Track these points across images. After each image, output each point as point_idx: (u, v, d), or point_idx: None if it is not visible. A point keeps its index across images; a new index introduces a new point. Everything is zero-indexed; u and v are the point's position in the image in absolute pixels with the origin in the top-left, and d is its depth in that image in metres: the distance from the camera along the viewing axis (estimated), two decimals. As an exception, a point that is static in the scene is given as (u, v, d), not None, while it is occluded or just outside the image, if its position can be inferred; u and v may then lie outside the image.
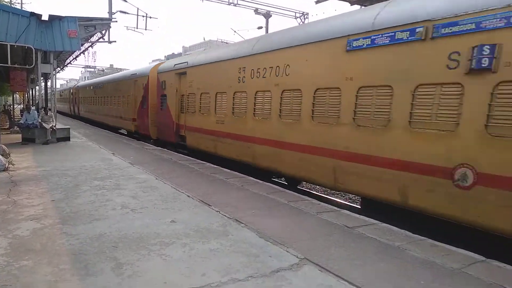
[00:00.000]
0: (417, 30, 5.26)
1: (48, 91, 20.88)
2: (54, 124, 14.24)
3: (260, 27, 26.96)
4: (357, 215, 5.57)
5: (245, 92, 9.34)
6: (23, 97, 31.57)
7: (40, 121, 13.87)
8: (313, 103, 7.19)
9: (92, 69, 61.29)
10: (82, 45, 16.19)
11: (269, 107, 8.49)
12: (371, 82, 6.04)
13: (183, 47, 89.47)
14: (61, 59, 22.15)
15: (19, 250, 3.87)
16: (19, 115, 24.47)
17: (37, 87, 25.21)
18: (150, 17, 25.57)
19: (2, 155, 8.89)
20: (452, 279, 3.48)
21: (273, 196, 6.54)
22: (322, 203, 6.23)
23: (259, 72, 8.84)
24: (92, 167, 8.92)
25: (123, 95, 20.14)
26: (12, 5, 18.54)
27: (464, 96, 4.80)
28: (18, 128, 15.64)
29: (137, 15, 22.56)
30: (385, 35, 5.76)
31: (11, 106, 31.53)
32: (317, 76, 7.13)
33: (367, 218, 5.41)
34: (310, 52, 7.35)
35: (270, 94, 8.45)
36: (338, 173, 6.69)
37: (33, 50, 12.83)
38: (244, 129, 9.36)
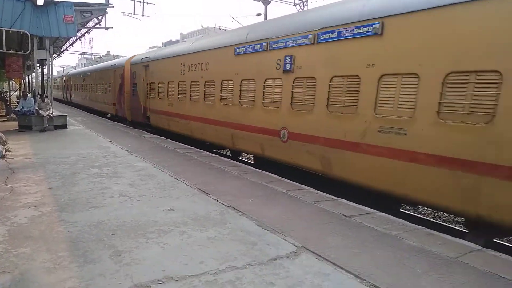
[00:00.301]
0: (263, 44, 8.59)
1: (44, 78, 20.70)
2: (51, 112, 14.14)
3: (259, 14, 26.73)
4: (355, 205, 5.60)
5: (185, 81, 12.44)
6: (20, 84, 31.31)
7: (37, 108, 13.78)
8: (220, 91, 10.35)
9: (89, 56, 60.67)
10: (78, 31, 15.95)
11: (198, 93, 11.61)
12: (247, 76, 9.22)
13: (181, 34, 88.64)
14: (58, 46, 21.89)
15: (18, 237, 3.88)
16: (16, 102, 24.29)
17: (33, 74, 24.96)
18: (147, 3, 25.26)
19: (-2, 142, 8.84)
20: (448, 268, 3.51)
21: (271, 185, 6.55)
22: (320, 192, 6.25)
23: (193, 66, 11.94)
24: (90, 154, 8.90)
25: (105, 83, 22.65)
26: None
27: (282, 85, 8.02)
28: (14, 116, 15.52)
29: (134, 0, 22.24)
30: (251, 46, 9.03)
31: (7, 93, 31.24)
32: (221, 71, 10.35)
33: (364, 207, 5.44)
34: (218, 54, 10.55)
35: (198, 83, 11.54)
36: (234, 138, 9.85)
37: (29, 35, 12.66)
38: (185, 109, 12.51)
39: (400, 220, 4.91)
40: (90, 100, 27.79)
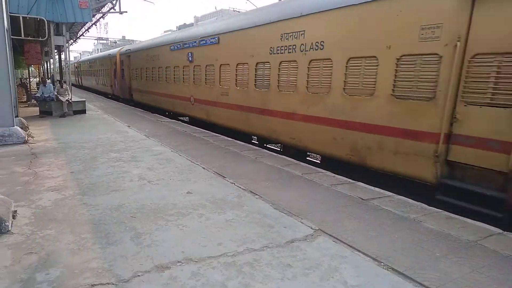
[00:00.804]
0: (180, 44, 13.34)
1: (62, 64, 20.99)
2: (70, 97, 14.38)
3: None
4: (372, 188, 5.56)
5: (149, 68, 17.49)
6: (39, 70, 31.85)
7: (56, 94, 14.03)
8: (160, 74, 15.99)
9: (105, 41, 60.93)
10: (93, 16, 16.02)
11: (160, 75, 16.14)
12: (176, 64, 14.11)
13: (195, 17, 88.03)
14: (74, 31, 22.07)
15: (43, 219, 4.02)
16: (36, 88, 24.77)
17: (51, 60, 25.33)
18: (161, -14, 24.99)
19: (21, 128, 9.08)
20: (468, 251, 3.48)
21: (287, 169, 6.56)
22: (337, 175, 6.23)
23: (153, 57, 16.60)
24: (109, 139, 9.06)
25: (105, 69, 27.76)
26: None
27: (189, 70, 13.10)
28: (35, 101, 15.86)
29: (148, -16, 22.08)
30: (177, 45, 13.99)
31: (27, 79, 31.86)
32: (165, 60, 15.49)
33: (382, 191, 5.40)
34: (162, 50, 15.63)
35: (155, 70, 16.62)
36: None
37: (45, 21, 12.78)
38: (153, 87, 17.12)
39: (418, 203, 4.86)
40: (95, 83, 32.86)
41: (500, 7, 4.50)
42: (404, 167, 5.76)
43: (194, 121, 13.50)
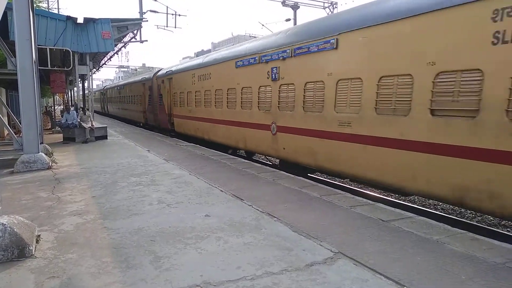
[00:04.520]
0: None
1: (85, 92, 21.79)
2: (92, 124, 14.85)
3: (288, 19, 26.69)
4: (393, 209, 5.45)
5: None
6: (63, 98, 33.09)
7: (79, 120, 14.51)
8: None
9: (126, 69, 63.07)
10: (115, 45, 16.70)
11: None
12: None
13: (212, 43, 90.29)
14: (96, 60, 22.98)
15: (65, 243, 4.10)
16: (60, 115, 25.68)
17: (75, 88, 26.33)
18: (179, 15, 26.03)
19: (45, 154, 9.38)
20: (495, 274, 3.34)
21: (305, 190, 6.51)
22: (356, 196, 6.14)
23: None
24: (129, 164, 9.24)
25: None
26: (49, 10, 19.39)
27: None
28: (59, 128, 16.42)
29: (167, 13, 23.04)
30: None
31: (52, 107, 33.09)
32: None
33: (403, 212, 5.28)
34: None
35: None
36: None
37: (71, 52, 13.41)
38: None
39: (442, 224, 4.73)
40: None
41: None
42: None
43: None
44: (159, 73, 19.88)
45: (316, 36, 7.81)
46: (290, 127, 8.78)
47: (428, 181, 5.67)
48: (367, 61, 6.63)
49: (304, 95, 8.21)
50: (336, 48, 7.25)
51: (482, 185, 4.97)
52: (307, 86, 8.12)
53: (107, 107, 40.43)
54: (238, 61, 10.96)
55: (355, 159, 6.94)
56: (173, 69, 17.58)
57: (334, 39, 7.28)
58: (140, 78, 24.98)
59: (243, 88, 10.81)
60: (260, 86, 9.92)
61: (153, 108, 20.67)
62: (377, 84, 6.37)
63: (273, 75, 9.28)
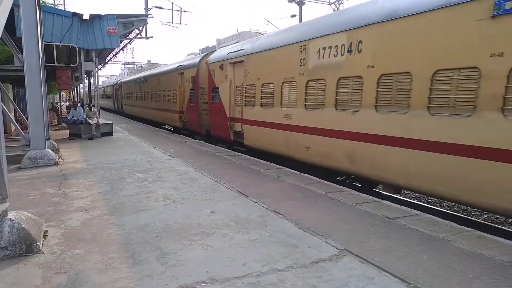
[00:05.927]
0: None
1: (91, 88, 21.90)
2: (98, 120, 14.93)
3: (293, 15, 26.60)
4: (398, 206, 5.43)
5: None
6: (69, 94, 33.26)
7: (85, 117, 14.60)
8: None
9: (131, 65, 63.36)
10: (121, 42, 16.75)
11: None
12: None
13: (217, 39, 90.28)
14: (102, 57, 23.09)
15: (72, 239, 4.13)
16: (66, 112, 25.84)
17: (81, 85, 26.44)
18: (185, 11, 26.03)
19: (52, 150, 9.45)
20: (502, 272, 3.32)
21: (311, 187, 6.51)
22: (362, 194, 6.12)
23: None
24: (135, 160, 9.29)
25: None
26: (55, 7, 19.49)
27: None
28: (65, 124, 16.54)
29: (172, 9, 23.05)
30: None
31: (58, 104, 33.29)
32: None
33: (409, 209, 5.26)
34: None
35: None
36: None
37: (77, 49, 13.48)
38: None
39: (448, 222, 4.70)
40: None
41: None
42: None
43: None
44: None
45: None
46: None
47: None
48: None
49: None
50: None
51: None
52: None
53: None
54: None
55: None
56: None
57: None
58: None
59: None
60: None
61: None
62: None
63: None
